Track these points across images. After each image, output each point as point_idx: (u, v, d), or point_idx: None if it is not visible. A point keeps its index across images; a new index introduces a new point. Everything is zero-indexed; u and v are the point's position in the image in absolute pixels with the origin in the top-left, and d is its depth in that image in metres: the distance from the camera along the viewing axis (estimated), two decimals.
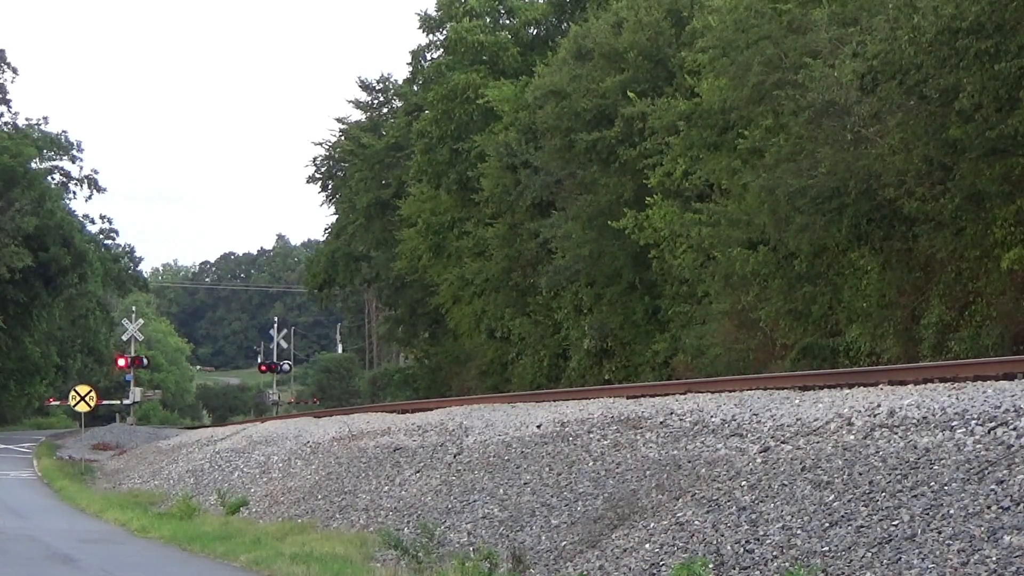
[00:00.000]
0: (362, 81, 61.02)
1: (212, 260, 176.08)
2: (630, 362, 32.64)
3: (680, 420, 15.22)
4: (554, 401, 21.24)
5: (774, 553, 10.16)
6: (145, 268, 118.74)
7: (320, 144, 64.39)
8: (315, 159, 64.27)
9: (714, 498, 11.79)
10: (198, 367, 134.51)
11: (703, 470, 12.83)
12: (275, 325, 76.57)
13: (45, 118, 76.38)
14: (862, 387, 14.32)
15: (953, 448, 10.45)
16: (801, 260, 23.82)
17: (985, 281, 19.83)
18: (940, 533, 9.18)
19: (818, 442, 12.01)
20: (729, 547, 10.61)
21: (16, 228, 58.89)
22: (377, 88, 60.91)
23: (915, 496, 9.88)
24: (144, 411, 78.01)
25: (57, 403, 71.92)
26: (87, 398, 42.92)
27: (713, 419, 14.60)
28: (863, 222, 21.29)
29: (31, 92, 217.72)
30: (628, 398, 18.74)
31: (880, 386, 13.97)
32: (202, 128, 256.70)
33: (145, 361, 64.02)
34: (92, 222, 72.57)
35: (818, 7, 22.80)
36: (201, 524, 19.74)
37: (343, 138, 62.23)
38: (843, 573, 9.36)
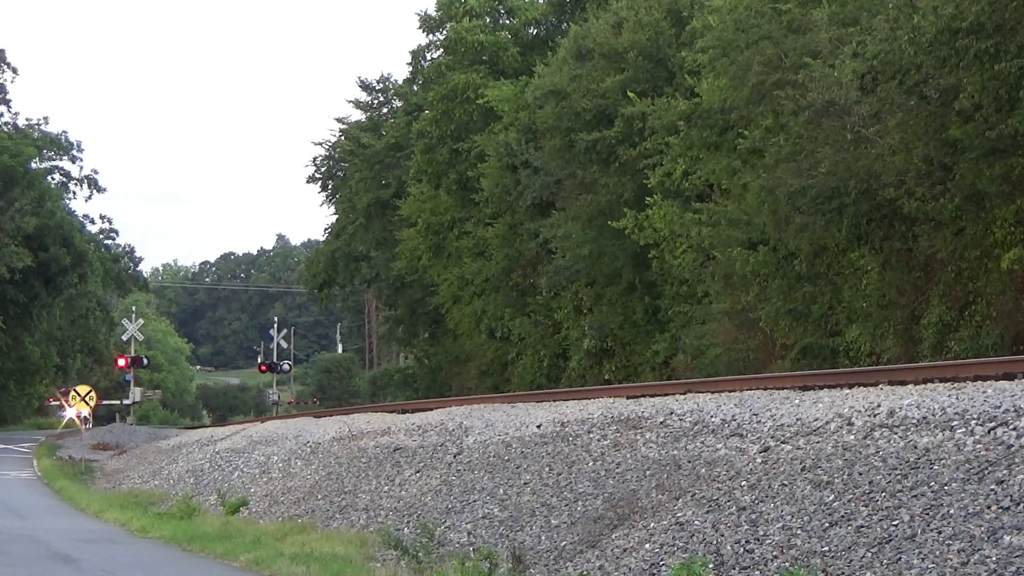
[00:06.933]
0: (362, 81, 61.18)
1: (212, 260, 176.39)
2: (630, 362, 32.64)
3: (680, 420, 15.22)
4: (554, 401, 21.21)
5: (774, 553, 10.15)
6: (145, 268, 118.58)
7: (320, 144, 64.63)
8: (315, 159, 64.48)
9: (714, 498, 11.78)
10: (198, 367, 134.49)
11: (703, 470, 12.83)
12: (275, 325, 76.47)
13: (45, 118, 76.34)
14: (862, 387, 14.29)
15: (953, 448, 10.44)
16: (801, 260, 23.81)
17: (985, 281, 19.82)
18: (940, 533, 9.17)
19: (818, 442, 12.00)
20: (729, 547, 10.60)
21: (16, 228, 58.88)
22: (377, 88, 60.99)
23: (915, 496, 9.87)
24: (144, 411, 78.02)
25: (57, 403, 71.89)
26: (87, 398, 42.89)
27: (713, 419, 14.59)
28: (863, 222, 21.29)
29: (31, 92, 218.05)
30: (628, 398, 18.72)
31: (880, 386, 13.95)
32: (202, 128, 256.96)
33: (145, 361, 63.99)
34: (92, 222, 72.78)
35: (818, 7, 22.81)
36: (201, 524, 19.70)
37: (343, 138, 62.30)
38: (843, 573, 9.36)
